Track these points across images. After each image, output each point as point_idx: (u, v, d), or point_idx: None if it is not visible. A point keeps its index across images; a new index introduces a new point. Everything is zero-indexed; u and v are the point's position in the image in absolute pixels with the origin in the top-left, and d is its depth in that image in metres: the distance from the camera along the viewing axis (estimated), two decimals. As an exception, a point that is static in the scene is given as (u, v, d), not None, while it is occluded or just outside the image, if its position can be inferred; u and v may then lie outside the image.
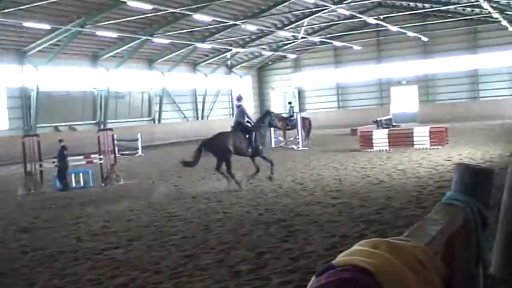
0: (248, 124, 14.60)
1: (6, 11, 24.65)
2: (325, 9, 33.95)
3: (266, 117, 15.24)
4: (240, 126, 14.58)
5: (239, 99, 15.36)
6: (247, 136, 14.29)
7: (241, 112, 15.00)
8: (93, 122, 36.29)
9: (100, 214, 11.65)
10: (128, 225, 10.23)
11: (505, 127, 28.83)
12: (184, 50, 38.80)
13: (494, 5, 31.18)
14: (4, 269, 7.74)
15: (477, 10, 36.23)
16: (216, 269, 6.84)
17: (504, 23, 36.57)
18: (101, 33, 30.33)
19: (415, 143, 21.30)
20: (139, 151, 28.22)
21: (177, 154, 26.58)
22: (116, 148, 19.18)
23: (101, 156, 17.07)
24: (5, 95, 31.50)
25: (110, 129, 18.66)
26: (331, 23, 39.74)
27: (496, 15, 34.06)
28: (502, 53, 41.18)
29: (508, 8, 32.18)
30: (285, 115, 27.92)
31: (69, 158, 16.89)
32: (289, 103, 30.56)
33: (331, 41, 43.02)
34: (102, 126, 32.53)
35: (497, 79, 41.89)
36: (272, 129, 22.16)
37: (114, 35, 31.53)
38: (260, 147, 14.43)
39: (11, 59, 31.07)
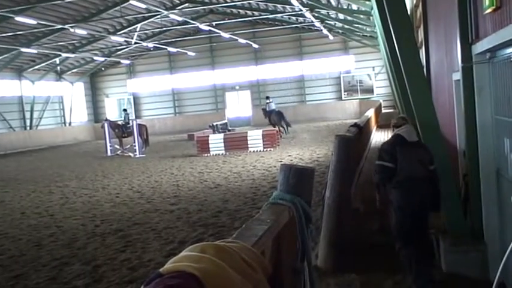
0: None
1: None
2: (158, 14, 33.81)
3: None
4: (278, 110, 29.21)
5: (268, 97, 30.49)
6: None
7: (273, 104, 29.50)
8: None
9: None
10: None
11: (330, 128, 31.10)
12: (7, 55, 35.99)
13: (316, 15, 33.51)
14: None
15: (301, 19, 38.66)
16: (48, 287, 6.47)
17: (325, 31, 39.50)
18: None
19: (249, 146, 22.10)
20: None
21: (2, 167, 24.68)
22: None
23: None
24: None
25: None
26: (164, 28, 39.65)
27: (318, 24, 36.66)
28: (324, 59, 44.41)
29: (328, 18, 34.77)
30: (120, 122, 27.25)
31: None
32: (124, 110, 29.88)
33: (165, 47, 42.96)
34: None
35: (321, 84, 45.06)
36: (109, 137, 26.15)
37: None
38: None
39: None
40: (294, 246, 2.69)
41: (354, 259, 6.42)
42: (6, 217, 11.76)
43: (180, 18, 36.79)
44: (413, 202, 5.56)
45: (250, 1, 33.83)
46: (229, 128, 34.21)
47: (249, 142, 22.27)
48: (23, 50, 34.78)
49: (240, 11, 40.10)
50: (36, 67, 41.49)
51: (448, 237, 6.21)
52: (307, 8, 30.44)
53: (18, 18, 27.19)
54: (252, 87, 46.39)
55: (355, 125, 10.72)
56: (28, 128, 41.23)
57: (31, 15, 28.37)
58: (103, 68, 49.31)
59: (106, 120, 27.98)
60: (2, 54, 35.52)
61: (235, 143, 22.43)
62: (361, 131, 10.51)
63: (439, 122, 6.46)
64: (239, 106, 46.39)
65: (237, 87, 46.66)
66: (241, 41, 41.48)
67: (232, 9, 40.29)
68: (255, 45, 43.80)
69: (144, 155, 23.82)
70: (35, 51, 36.59)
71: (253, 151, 21.62)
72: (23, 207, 12.84)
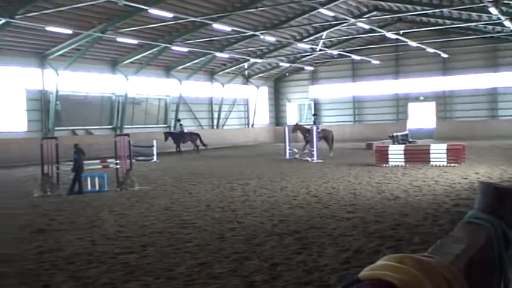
0: None
1: (30, 15, 25.05)
2: (345, 22, 34.00)
3: None
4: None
5: (179, 120, 30.48)
6: None
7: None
8: (110, 127, 36.60)
9: (115, 218, 11.70)
10: (142, 230, 10.24)
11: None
12: (202, 59, 39.02)
13: (516, 24, 31.02)
14: (19, 269, 7.78)
15: (498, 28, 36.05)
16: (229, 278, 6.82)
17: (525, 42, 36.38)
18: (121, 39, 30.67)
19: (431, 159, 21.10)
20: (155, 157, 28.34)
21: (190, 161, 26.74)
22: (132, 153, 19.21)
23: (117, 161, 17.16)
24: (25, 97, 31.93)
25: (127, 134, 18.73)
26: (350, 36, 39.75)
27: (517, 34, 33.91)
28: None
29: (529, 28, 32.01)
30: (308, 127, 27.81)
31: (85, 162, 17.02)
32: (314, 115, 30.65)
33: (349, 55, 43.02)
34: (118, 132, 32.78)
35: (517, 98, 41.53)
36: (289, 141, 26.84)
37: (134, 41, 31.85)
38: None
39: (32, 62, 31.51)
40: (490, 270, 2.51)
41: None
42: (193, 208, 12.68)
43: (366, 26, 36.58)
44: None
45: (443, 9, 32.39)
46: (410, 140, 33.15)
47: (431, 155, 21.29)
48: (217, 54, 37.36)
49: (431, 19, 38.59)
50: (227, 70, 44.31)
51: None
52: (506, 17, 28.26)
53: (215, 25, 29.28)
54: (438, 98, 44.40)
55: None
56: (215, 127, 44.21)
57: (226, 22, 30.37)
58: (287, 74, 50.95)
59: (297, 124, 28.92)
60: (198, 58, 38.54)
61: (416, 156, 21.64)
62: None
63: None
64: (422, 117, 44.70)
65: (422, 98, 45.01)
66: (429, 50, 39.94)
67: (422, 18, 38.95)
68: (444, 55, 41.84)
69: (321, 161, 24.08)
70: (226, 55, 39.13)
71: (436, 165, 20.62)
72: (208, 200, 13.75)
